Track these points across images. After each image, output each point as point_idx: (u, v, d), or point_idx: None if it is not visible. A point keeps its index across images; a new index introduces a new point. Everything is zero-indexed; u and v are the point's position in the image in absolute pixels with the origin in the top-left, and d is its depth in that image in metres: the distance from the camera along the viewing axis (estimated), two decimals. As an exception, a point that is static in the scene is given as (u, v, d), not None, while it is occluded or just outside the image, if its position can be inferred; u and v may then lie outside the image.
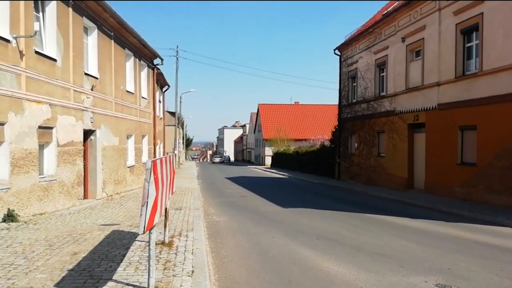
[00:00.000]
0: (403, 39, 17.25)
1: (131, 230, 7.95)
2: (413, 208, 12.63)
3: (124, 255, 6.04)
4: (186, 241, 7.13)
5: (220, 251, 7.06)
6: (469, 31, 13.56)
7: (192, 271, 5.35)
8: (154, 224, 4.43)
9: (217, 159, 78.56)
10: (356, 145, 22.23)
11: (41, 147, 10.21)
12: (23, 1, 9.03)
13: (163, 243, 6.80)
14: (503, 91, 11.76)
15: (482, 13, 12.66)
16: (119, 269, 5.38)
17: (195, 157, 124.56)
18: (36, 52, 9.71)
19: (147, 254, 4.98)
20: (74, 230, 7.85)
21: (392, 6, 19.81)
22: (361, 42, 21.76)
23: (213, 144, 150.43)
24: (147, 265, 4.50)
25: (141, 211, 3.99)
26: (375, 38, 20.08)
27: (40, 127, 9.83)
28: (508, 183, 11.58)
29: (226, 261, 6.40)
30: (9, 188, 8.58)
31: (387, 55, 18.84)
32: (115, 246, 6.63)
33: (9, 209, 8.46)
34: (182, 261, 5.80)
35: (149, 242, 4.39)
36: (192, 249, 6.51)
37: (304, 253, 6.88)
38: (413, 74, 16.77)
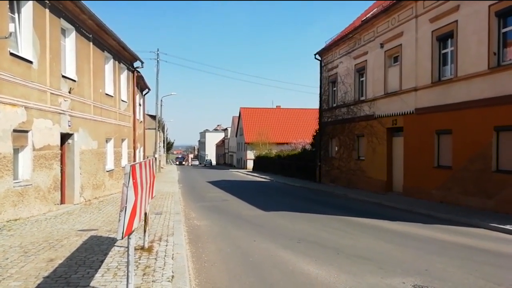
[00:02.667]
0: (382, 45, 17.62)
1: (110, 236, 7.80)
2: (392, 210, 12.86)
3: (102, 261, 5.92)
4: (166, 246, 7.05)
5: (201, 255, 7.01)
6: (444, 38, 13.97)
7: (172, 276, 5.29)
8: (133, 229, 4.36)
9: (195, 162, 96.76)
10: (336, 149, 22.51)
11: (16, 151, 9.92)
12: (-3, 1, 8.78)
13: (142, 248, 6.70)
14: (477, 97, 12.15)
15: (456, 21, 13.07)
16: (97, 275, 5.27)
17: (180, 157, 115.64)
18: (11, 54, 9.43)
19: (126, 260, 4.89)
20: (51, 236, 7.64)
21: (371, 12, 20.22)
22: (341, 47, 22.09)
23: (194, 147, 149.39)
24: (126, 271, 4.42)
25: (120, 216, 3.92)
26: (354, 43, 20.43)
27: (15, 130, 9.54)
28: (482, 186, 11.94)
29: (207, 266, 6.36)
30: (-19, 193, 8.28)
31: (366, 60, 19.20)
32: (93, 252, 6.49)
33: (-19, 215, 8.17)
34: (162, 266, 5.73)
35: (127, 247, 4.32)
36: (172, 254, 6.44)
37: (285, 256, 6.91)
38: (391, 79, 17.13)
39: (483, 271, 6.02)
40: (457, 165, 13.04)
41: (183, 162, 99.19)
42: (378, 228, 9.67)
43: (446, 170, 13.57)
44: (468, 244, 7.88)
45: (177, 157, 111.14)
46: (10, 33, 9.07)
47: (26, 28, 10.27)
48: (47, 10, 11.06)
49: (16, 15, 10.08)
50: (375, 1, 23.38)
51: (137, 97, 23.22)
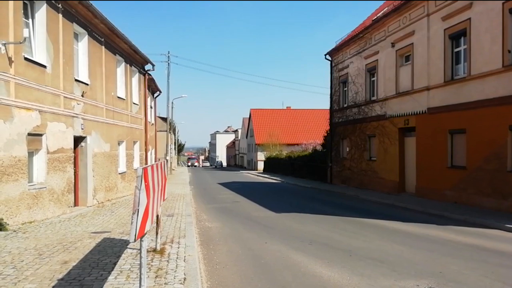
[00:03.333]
0: (393, 44, 17.45)
1: (123, 238, 7.88)
2: (405, 211, 12.71)
3: (115, 263, 5.98)
4: (178, 248, 7.08)
5: (212, 257, 7.02)
6: (457, 36, 13.77)
7: (184, 279, 5.31)
8: (145, 231, 4.40)
9: (206, 164, 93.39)
10: (347, 149, 22.35)
11: (31, 154, 10.09)
12: (12, 8, 8.94)
13: (154, 250, 6.75)
14: (491, 95, 11.94)
15: (469, 19, 12.87)
16: (110, 277, 5.32)
17: (193, 157, 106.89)
18: (26, 59, 9.61)
19: (139, 262, 4.93)
20: (64, 239, 7.75)
21: (381, 12, 20.05)
22: (351, 47, 21.95)
23: (205, 149, 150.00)
24: (139, 273, 4.46)
25: (132, 219, 3.95)
26: (365, 43, 20.28)
27: (29, 134, 9.71)
28: (497, 186, 11.73)
29: (218, 268, 6.37)
30: (-3, 196, 8.44)
31: (377, 60, 19.03)
32: (106, 254, 6.56)
33: (-3, 217, 8.33)
34: (174, 269, 5.76)
35: (140, 250, 4.35)
36: (184, 256, 6.47)
37: (296, 258, 6.88)
38: (403, 79, 16.95)
39: (500, 274, 5.90)
40: (471, 165, 12.82)
41: (195, 163, 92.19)
42: (391, 229, 9.56)
43: (460, 170, 13.36)
44: (484, 246, 7.74)
45: (189, 158, 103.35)
46: (25, 38, 9.24)
47: (40, 33, 10.46)
48: (60, 15, 11.24)
49: (30, 20, 10.27)
50: (385, 0, 23.19)
51: (149, 99, 23.43)
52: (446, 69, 14.11)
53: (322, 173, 26.53)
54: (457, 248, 7.58)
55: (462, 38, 13.57)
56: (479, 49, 12.50)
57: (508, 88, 11.34)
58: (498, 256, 7.00)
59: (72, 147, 12.18)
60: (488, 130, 12.07)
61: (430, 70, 14.94)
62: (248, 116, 65.51)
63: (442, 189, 14.11)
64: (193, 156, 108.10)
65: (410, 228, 9.64)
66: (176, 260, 6.21)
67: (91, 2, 12.25)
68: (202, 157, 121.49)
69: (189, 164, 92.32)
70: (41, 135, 10.37)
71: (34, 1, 10.26)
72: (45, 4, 10.44)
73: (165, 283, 5.11)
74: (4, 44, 8.70)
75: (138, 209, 4.00)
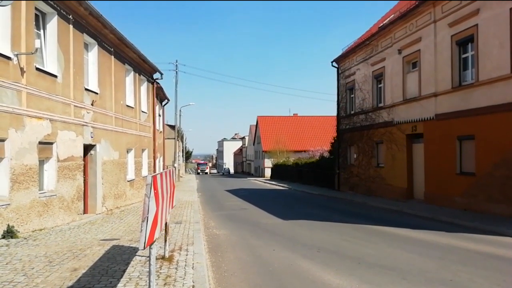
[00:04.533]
0: (400, 51, 17.45)
1: (131, 245, 7.93)
2: (414, 218, 12.60)
3: (124, 271, 6.02)
4: (187, 255, 7.10)
5: (220, 265, 7.03)
6: (464, 42, 13.73)
7: (193, 286, 5.33)
8: (154, 239, 4.44)
9: (213, 171, 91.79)
10: (355, 156, 22.27)
11: (41, 162, 10.24)
12: (24, 20, 9.15)
13: (163, 257, 6.78)
14: (500, 101, 11.85)
15: (477, 25, 12.84)
16: (119, 285, 5.36)
17: (202, 162, 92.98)
18: (37, 69, 9.81)
19: (148, 270, 4.96)
20: (74, 246, 7.82)
21: (388, 19, 20.08)
22: (358, 54, 21.98)
23: (212, 156, 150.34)
24: (148, 281, 4.49)
25: (142, 227, 4.00)
26: (371, 50, 20.30)
27: (40, 142, 9.87)
28: (508, 193, 11.59)
29: (227, 275, 6.38)
30: (9, 204, 8.57)
31: (384, 66, 19.03)
32: (115, 261, 6.61)
33: (8, 225, 8.44)
34: (183, 276, 5.78)
35: (149, 257, 4.38)
36: (193, 264, 6.49)
37: (305, 266, 6.86)
38: (410, 85, 16.91)
39: (511, 282, 5.82)
40: (481, 172, 12.70)
41: (206, 170, 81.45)
42: (400, 236, 9.49)
43: (469, 177, 13.23)
44: (495, 253, 7.64)
45: (198, 164, 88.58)
46: (36, 49, 9.42)
47: (51, 44, 10.67)
48: (70, 26, 11.45)
49: (42, 31, 10.49)
50: (396, 3, 23.23)
51: (157, 107, 23.64)
52: (454, 75, 14.05)
53: (329, 180, 26.43)
54: (467, 255, 7.49)
55: (470, 44, 13.53)
56: (487, 55, 12.45)
57: (517, 93, 11.25)
58: (510, 264, 6.91)
59: (82, 155, 12.32)
60: (497, 136, 11.96)
61: (437, 76, 14.90)
62: (255, 123, 65.66)
63: (451, 195, 13.98)
64: (203, 162, 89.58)
65: (419, 235, 9.56)
66: (185, 268, 6.24)
67: (101, 13, 12.47)
68: (209, 164, 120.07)
69: (199, 171, 79.84)
70: (51, 143, 10.52)
71: (46, 12, 10.50)
72: (56, 16, 10.66)
73: (174, 291, 5.13)
74: (17, 55, 8.89)
75: (147, 217, 4.04)
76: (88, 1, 11.50)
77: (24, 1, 9.13)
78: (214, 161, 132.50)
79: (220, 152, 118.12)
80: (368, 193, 20.31)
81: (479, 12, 12.75)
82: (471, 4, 13.03)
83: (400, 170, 17.48)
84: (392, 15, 19.74)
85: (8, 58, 8.65)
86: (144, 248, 3.99)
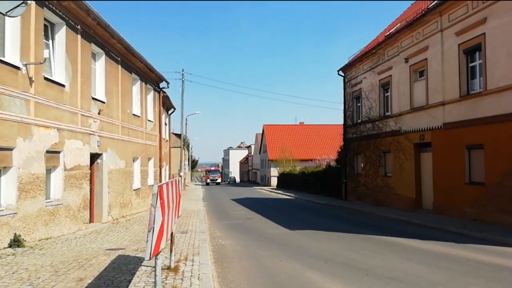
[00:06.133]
0: (406, 60, 17.40)
1: (137, 255, 7.88)
2: (422, 229, 12.42)
3: (129, 281, 5.97)
4: (192, 265, 7.04)
5: (226, 275, 6.95)
6: (472, 51, 13.66)
7: (199, 297, 5.26)
8: (160, 249, 4.40)
9: (218, 180, 71.11)
10: (362, 165, 22.12)
11: (48, 171, 10.28)
12: (33, 30, 9.27)
13: (169, 268, 6.72)
14: (509, 110, 11.72)
15: (484, 33, 12.78)
16: (124, 295, 5.31)
17: (213, 169, 70.48)
18: (45, 78, 9.91)
19: (153, 280, 4.91)
20: (80, 255, 7.80)
21: (394, 28, 20.09)
22: (364, 63, 21.97)
23: (218, 165, 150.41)
24: (153, 292, 4.44)
25: (148, 237, 3.96)
26: (378, 59, 20.28)
27: (47, 151, 9.92)
28: (518, 203, 11.39)
29: (232, 286, 6.30)
30: (16, 213, 8.59)
31: (390, 75, 18.97)
32: (121, 271, 6.56)
33: (15, 234, 8.45)
34: (188, 287, 5.72)
35: (155, 268, 4.34)
36: (198, 274, 6.43)
37: (312, 277, 6.76)
38: (417, 94, 16.82)
39: (524, 295, 5.67)
40: (490, 181, 12.52)
41: (218, 179, 62.18)
42: (408, 247, 9.33)
43: (479, 187, 13.04)
44: (506, 265, 7.47)
45: (209, 171, 66.61)
46: (45, 59, 9.54)
47: (60, 54, 10.79)
48: (79, 36, 11.59)
49: (50, 41, 10.62)
50: (408, 6, 23.25)
51: (163, 116, 23.74)
52: (462, 84, 13.95)
53: (336, 189, 26.24)
54: (478, 267, 7.34)
55: (477, 53, 13.45)
56: (495, 64, 12.36)
57: (527, 102, 11.13)
58: (522, 276, 6.75)
59: (89, 164, 12.37)
60: (506, 145, 11.81)
61: (445, 85, 14.80)
62: (261, 132, 65.66)
63: (460, 205, 13.78)
64: (213, 168, 67.34)
65: (428, 246, 9.40)
66: (190, 278, 6.17)
67: (108, 23, 12.61)
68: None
69: (209, 180, 60.71)
70: (58, 152, 10.58)
71: (55, 23, 10.64)
72: (65, 26, 10.80)
73: (179, 302, 5.06)
74: (25, 65, 9.00)
75: (153, 227, 4.01)
76: (91, 2, 11.59)
77: (34, 11, 9.25)
78: (220, 170, 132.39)
79: (226, 161, 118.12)
80: (375, 202, 20.11)
81: (486, 21, 12.69)
82: (479, 13, 12.98)
83: (408, 179, 17.31)
84: (399, 24, 19.73)
85: (17, 68, 8.75)
86: (150, 258, 3.95)
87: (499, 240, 9.84)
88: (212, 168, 68.43)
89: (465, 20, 13.64)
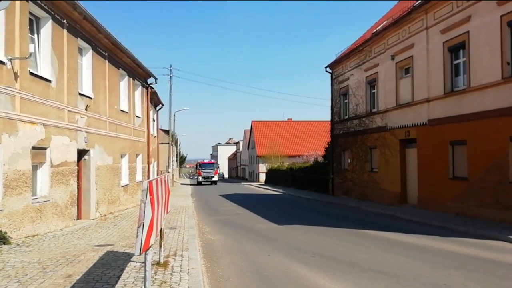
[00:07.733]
0: (393, 57, 17.64)
1: (126, 251, 7.89)
2: (407, 223, 12.68)
3: (119, 277, 5.99)
4: (182, 261, 7.09)
5: (215, 270, 7.02)
6: (456, 49, 13.93)
7: (188, 292, 5.32)
8: (150, 245, 4.44)
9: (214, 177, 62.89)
10: (349, 161, 22.38)
11: (35, 167, 10.16)
12: (18, 24, 9.12)
13: (158, 263, 6.76)
14: (491, 107, 12.02)
15: (468, 32, 13.04)
16: (114, 291, 5.33)
17: (207, 163, 50.00)
18: (31, 74, 9.77)
19: (143, 275, 4.95)
20: (68, 252, 7.77)
21: (381, 25, 20.30)
22: (351, 60, 22.16)
23: (213, 156, 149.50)
24: (143, 287, 4.48)
25: (137, 232, 4.00)
26: (365, 56, 20.49)
27: (34, 147, 9.80)
28: (499, 198, 11.72)
29: (222, 281, 6.37)
30: (1, 210, 8.48)
31: (377, 72, 19.21)
32: (110, 267, 6.57)
33: (1, 231, 8.35)
34: (178, 282, 5.77)
35: (144, 263, 4.38)
36: (188, 269, 6.48)
37: (299, 270, 6.88)
38: (403, 91, 17.08)
39: (504, 286, 5.89)
40: (473, 176, 12.84)
41: (214, 176, 44.89)
42: (394, 241, 9.55)
43: (462, 182, 13.37)
44: (487, 258, 7.72)
45: (201, 165, 46.73)
46: (30, 54, 9.39)
47: (45, 48, 10.63)
48: (65, 31, 11.44)
49: (36, 36, 10.46)
50: (395, 4, 23.49)
51: (151, 112, 23.58)
52: (446, 81, 14.23)
53: (323, 185, 26.50)
54: (460, 260, 7.56)
55: (461, 51, 13.72)
56: (478, 62, 12.64)
57: (508, 99, 11.42)
58: (502, 268, 6.99)
59: (76, 160, 12.25)
60: (488, 141, 12.12)
61: (430, 82, 15.07)
62: (249, 128, 65.68)
63: (444, 200, 14.10)
64: (207, 161, 50.26)
65: (413, 240, 9.63)
66: (180, 273, 6.22)
67: (95, 18, 12.46)
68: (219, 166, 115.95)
69: (201, 178, 44.15)
70: (45, 148, 10.46)
71: (40, 17, 10.48)
72: (51, 20, 10.65)
73: (169, 296, 5.12)
74: (10, 60, 8.86)
75: (143, 223, 4.05)
76: (81, 0, 11.46)
77: (18, 4, 9.10)
78: (218, 164, 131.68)
79: (214, 157, 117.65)
80: (362, 197, 20.40)
81: (470, 19, 12.95)
82: (463, 11, 13.23)
83: (393, 175, 17.60)
84: (385, 21, 19.96)
85: (2, 62, 8.61)
86: (140, 253, 3.99)
87: (481, 234, 10.13)
88: (206, 161, 49.81)
89: (449, 18, 13.89)
